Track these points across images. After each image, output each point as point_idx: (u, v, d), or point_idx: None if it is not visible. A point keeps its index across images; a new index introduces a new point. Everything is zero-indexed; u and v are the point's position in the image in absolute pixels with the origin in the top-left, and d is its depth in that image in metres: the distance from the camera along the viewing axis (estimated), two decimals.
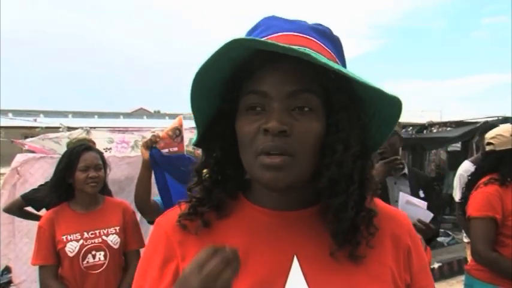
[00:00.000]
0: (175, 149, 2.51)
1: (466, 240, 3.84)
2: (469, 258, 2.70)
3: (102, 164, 2.44)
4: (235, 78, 0.75)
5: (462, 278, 2.59)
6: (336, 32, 0.80)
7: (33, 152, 3.97)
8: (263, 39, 0.69)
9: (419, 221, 2.37)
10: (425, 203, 2.47)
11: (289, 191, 0.74)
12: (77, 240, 2.27)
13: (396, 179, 2.71)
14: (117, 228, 2.38)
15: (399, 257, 0.78)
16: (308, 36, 0.74)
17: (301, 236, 0.76)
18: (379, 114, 0.77)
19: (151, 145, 2.45)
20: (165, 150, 2.48)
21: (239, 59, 0.72)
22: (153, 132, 4.19)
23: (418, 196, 2.60)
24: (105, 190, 2.53)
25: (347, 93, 0.74)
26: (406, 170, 2.74)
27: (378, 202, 0.82)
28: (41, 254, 2.28)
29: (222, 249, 0.63)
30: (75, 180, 2.34)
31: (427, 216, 2.41)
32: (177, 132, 2.55)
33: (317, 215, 0.77)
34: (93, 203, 2.41)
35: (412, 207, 2.42)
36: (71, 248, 2.25)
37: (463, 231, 4.07)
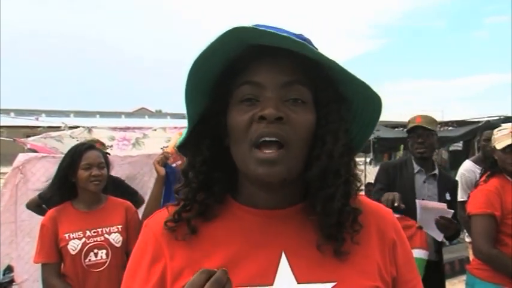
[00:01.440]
0: (179, 162, 2.60)
1: (467, 240, 3.83)
2: (471, 257, 2.71)
3: (105, 163, 2.45)
4: (228, 74, 0.76)
5: (464, 277, 2.59)
6: (316, 43, 0.82)
7: (35, 151, 3.97)
8: (263, 29, 0.69)
9: (442, 217, 2.41)
10: (444, 204, 2.50)
11: (279, 188, 0.75)
12: (79, 239, 2.28)
13: (426, 178, 2.76)
14: (120, 226, 2.39)
15: (385, 250, 0.79)
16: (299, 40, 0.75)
17: (288, 233, 0.77)
18: (360, 116, 0.80)
19: (166, 161, 2.51)
20: (173, 165, 2.60)
21: (232, 55, 0.73)
22: (155, 129, 4.20)
23: (444, 198, 2.67)
24: (107, 189, 2.54)
25: (334, 89, 0.77)
26: (436, 171, 2.80)
27: (363, 198, 0.84)
28: (44, 251, 2.29)
29: (214, 271, 0.62)
30: (78, 179, 2.35)
31: (448, 213, 2.44)
32: None
33: (303, 212, 0.78)
34: (95, 201, 2.42)
35: (430, 211, 2.46)
36: (73, 246, 2.26)
37: (464, 230, 4.06)
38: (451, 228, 2.47)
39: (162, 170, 2.50)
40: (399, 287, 0.81)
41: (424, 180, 2.77)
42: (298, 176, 0.75)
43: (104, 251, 2.30)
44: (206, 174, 0.78)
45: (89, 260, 2.27)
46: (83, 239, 2.28)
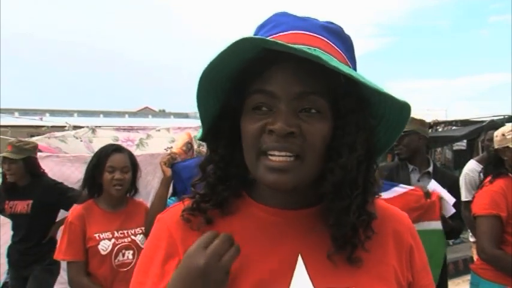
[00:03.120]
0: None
1: (472, 239, 3.82)
2: (475, 257, 2.70)
3: (131, 166, 2.47)
4: (242, 76, 0.74)
5: (468, 277, 2.58)
6: (347, 31, 0.78)
7: (39, 150, 3.98)
8: (272, 38, 0.67)
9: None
10: (453, 200, 2.49)
11: (293, 192, 0.73)
12: (109, 239, 2.32)
13: (420, 176, 2.75)
14: (143, 228, 2.44)
15: (401, 256, 0.78)
16: (319, 36, 0.73)
17: (304, 235, 0.75)
18: (387, 118, 0.76)
19: (172, 162, 2.52)
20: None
21: (247, 57, 0.70)
22: (158, 130, 4.21)
23: None
24: (133, 190, 2.56)
25: (355, 97, 0.72)
26: (430, 169, 2.78)
27: (379, 202, 0.82)
28: (72, 249, 2.28)
29: (222, 233, 0.68)
30: (102, 181, 2.38)
31: (449, 211, 2.43)
32: (189, 146, 2.75)
33: (320, 214, 0.76)
34: (119, 203, 2.46)
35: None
36: (104, 246, 2.29)
37: (468, 230, 4.05)
38: (445, 227, 2.46)
39: (168, 171, 2.51)
40: None
41: (418, 178, 2.75)
42: (312, 185, 0.73)
43: (131, 252, 2.36)
44: (223, 170, 0.78)
45: (118, 260, 2.32)
46: (113, 240, 2.32)
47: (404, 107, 0.71)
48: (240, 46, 0.64)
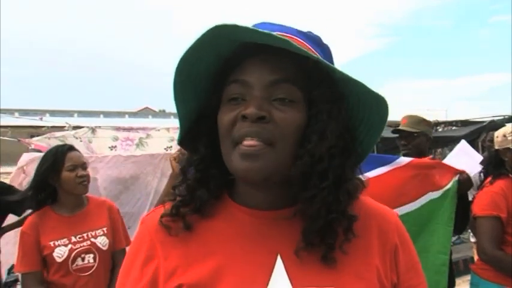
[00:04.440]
0: None
1: (472, 240, 3.82)
2: (476, 257, 2.70)
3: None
4: (221, 75, 0.75)
5: (468, 277, 2.58)
6: (325, 41, 0.80)
7: (39, 151, 3.98)
8: (245, 26, 0.67)
9: (464, 172, 2.36)
10: (481, 157, 2.46)
11: (265, 187, 0.73)
12: (65, 245, 2.18)
13: None
14: (105, 229, 2.30)
15: (385, 256, 0.77)
16: (295, 37, 0.74)
17: (284, 235, 0.75)
18: (367, 118, 0.76)
19: (182, 158, 2.53)
20: None
21: (224, 53, 0.73)
22: (158, 129, 4.20)
23: None
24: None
25: (329, 89, 0.74)
26: None
27: (367, 200, 0.82)
28: (26, 260, 2.17)
29: None
30: (62, 181, 2.23)
31: (474, 169, 2.39)
32: None
33: (300, 214, 0.75)
34: (78, 204, 2.32)
35: (464, 156, 2.41)
36: (60, 253, 2.16)
37: (469, 230, 4.05)
38: (466, 186, 2.38)
39: (177, 167, 2.52)
40: None
41: None
42: (287, 176, 0.72)
43: (91, 255, 2.22)
44: (203, 172, 0.78)
45: (76, 265, 2.18)
46: (69, 246, 2.18)
47: (381, 102, 0.72)
48: (216, 35, 0.66)
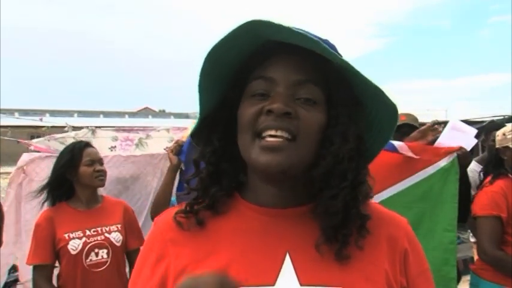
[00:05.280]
0: None
1: (472, 240, 3.82)
2: (476, 257, 2.70)
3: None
4: (244, 69, 0.77)
5: (468, 277, 2.58)
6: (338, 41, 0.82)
7: (38, 151, 3.98)
8: (279, 23, 0.69)
9: (461, 148, 2.31)
10: (475, 131, 2.44)
11: (281, 182, 0.74)
12: (80, 238, 2.22)
13: None
14: (119, 225, 2.35)
15: (395, 260, 0.77)
16: (317, 39, 0.75)
17: (294, 234, 0.77)
18: (377, 123, 0.79)
19: (179, 149, 2.52)
20: None
21: (249, 49, 0.74)
22: (160, 129, 4.21)
23: None
24: None
25: (348, 93, 0.76)
26: None
27: (377, 206, 0.84)
28: (39, 252, 2.22)
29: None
30: (80, 176, 2.30)
31: (470, 143, 2.37)
32: None
33: (311, 213, 0.77)
34: (94, 200, 2.39)
35: (456, 133, 2.39)
36: (74, 245, 2.20)
37: (469, 230, 4.05)
38: (465, 158, 2.36)
39: (175, 159, 2.52)
40: None
41: None
42: (303, 174, 0.74)
43: (105, 250, 2.25)
44: (215, 166, 0.79)
45: (90, 260, 2.22)
46: (84, 239, 2.22)
47: (392, 110, 0.75)
48: (249, 29, 0.68)
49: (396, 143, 2.30)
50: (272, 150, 0.70)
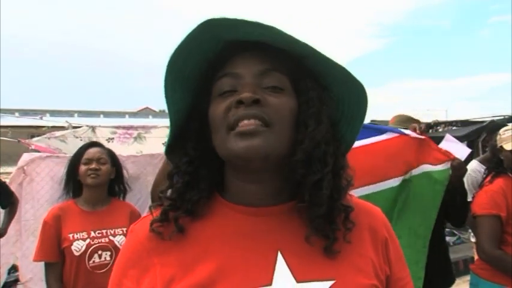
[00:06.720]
0: None
1: (472, 239, 3.81)
2: (476, 257, 2.70)
3: (110, 160, 2.45)
4: (208, 72, 0.77)
5: (468, 277, 2.57)
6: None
7: (38, 151, 3.99)
8: (235, 17, 0.69)
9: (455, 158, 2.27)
10: (468, 151, 2.40)
11: (265, 178, 0.75)
12: (84, 239, 2.23)
13: None
14: (125, 229, 2.33)
15: (378, 249, 0.79)
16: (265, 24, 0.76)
17: (282, 231, 0.76)
18: (347, 110, 0.80)
19: None
20: None
21: (211, 54, 0.75)
22: (158, 128, 4.21)
23: None
24: (113, 191, 2.51)
25: (315, 78, 0.78)
26: None
27: (353, 198, 0.84)
28: (44, 249, 2.24)
29: None
30: (79, 175, 2.36)
31: (463, 153, 2.34)
32: None
33: (295, 209, 0.76)
34: (100, 201, 2.39)
35: (450, 144, 2.38)
36: (77, 247, 2.21)
37: (469, 230, 4.05)
38: (461, 169, 2.28)
39: None
40: (392, 285, 0.80)
41: None
42: (283, 165, 0.73)
43: (108, 253, 2.25)
44: (191, 174, 0.77)
45: (93, 261, 2.22)
46: (88, 240, 2.23)
47: (359, 90, 0.77)
48: (201, 36, 0.69)
49: (402, 130, 2.31)
50: (249, 135, 0.69)
